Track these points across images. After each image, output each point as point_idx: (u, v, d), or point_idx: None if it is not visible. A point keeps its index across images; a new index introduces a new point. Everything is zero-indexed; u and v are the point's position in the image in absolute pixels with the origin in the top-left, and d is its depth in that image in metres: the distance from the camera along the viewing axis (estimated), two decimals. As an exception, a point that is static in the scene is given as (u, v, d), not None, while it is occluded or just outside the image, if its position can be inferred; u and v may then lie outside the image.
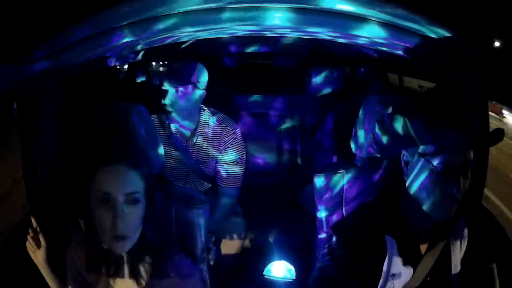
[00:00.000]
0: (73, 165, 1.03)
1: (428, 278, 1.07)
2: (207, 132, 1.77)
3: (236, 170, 1.78)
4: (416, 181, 1.05)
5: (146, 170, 1.00)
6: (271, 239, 2.03)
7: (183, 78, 1.65)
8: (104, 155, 0.96)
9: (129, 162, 0.96)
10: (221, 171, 1.78)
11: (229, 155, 1.77)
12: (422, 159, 1.02)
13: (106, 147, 0.98)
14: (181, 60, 1.69)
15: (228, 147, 1.76)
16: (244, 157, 1.81)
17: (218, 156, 1.77)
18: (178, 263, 1.07)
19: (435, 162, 1.00)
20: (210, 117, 1.77)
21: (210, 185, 1.86)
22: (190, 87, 1.66)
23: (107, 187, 0.93)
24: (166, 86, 1.65)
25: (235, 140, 1.77)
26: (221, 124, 1.77)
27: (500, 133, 0.99)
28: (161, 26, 1.10)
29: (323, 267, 1.10)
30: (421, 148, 1.03)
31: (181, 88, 1.64)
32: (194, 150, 1.78)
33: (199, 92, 1.70)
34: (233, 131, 1.77)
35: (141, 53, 1.76)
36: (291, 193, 2.27)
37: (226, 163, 1.77)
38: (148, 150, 1.20)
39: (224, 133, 1.76)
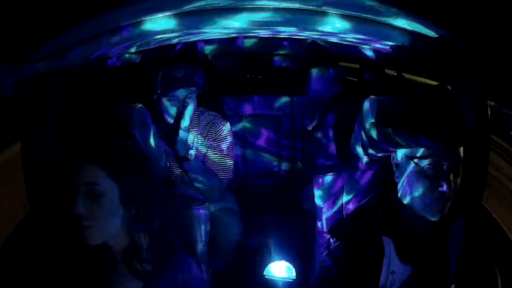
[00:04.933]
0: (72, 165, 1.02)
1: (427, 275, 1.07)
2: (197, 129, 1.85)
3: (226, 163, 1.86)
4: (406, 183, 1.06)
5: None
6: (271, 239, 2.03)
7: (192, 83, 1.73)
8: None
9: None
10: (212, 164, 1.85)
11: (219, 149, 1.85)
12: (411, 162, 1.03)
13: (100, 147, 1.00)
14: (181, 67, 1.76)
15: (217, 141, 1.84)
16: (233, 151, 1.91)
17: (209, 151, 1.85)
18: (179, 263, 1.07)
19: (423, 164, 1.01)
20: (200, 115, 1.87)
21: None
22: (195, 89, 1.74)
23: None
24: (177, 93, 1.70)
25: (224, 133, 1.86)
26: (210, 120, 1.87)
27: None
28: (168, 26, 1.10)
29: (324, 267, 1.11)
30: (409, 151, 1.05)
31: (191, 91, 1.72)
32: None
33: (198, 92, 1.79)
34: (222, 126, 1.86)
35: (139, 54, 1.77)
36: (291, 193, 2.27)
37: (216, 156, 1.85)
38: (149, 152, 1.20)
39: (213, 128, 1.85)
